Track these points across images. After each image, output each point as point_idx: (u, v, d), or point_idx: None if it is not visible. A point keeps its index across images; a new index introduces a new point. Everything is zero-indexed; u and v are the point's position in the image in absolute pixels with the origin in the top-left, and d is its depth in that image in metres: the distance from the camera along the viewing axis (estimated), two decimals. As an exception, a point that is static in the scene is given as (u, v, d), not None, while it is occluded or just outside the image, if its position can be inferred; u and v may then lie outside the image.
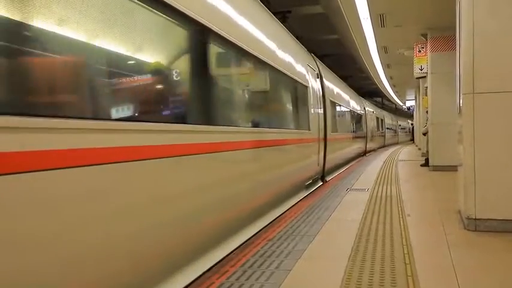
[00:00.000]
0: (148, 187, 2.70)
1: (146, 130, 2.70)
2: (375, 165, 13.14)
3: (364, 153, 18.59)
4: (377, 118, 24.73)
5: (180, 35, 3.50)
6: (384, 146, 27.71)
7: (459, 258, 3.55)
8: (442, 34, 10.35)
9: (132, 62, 2.94)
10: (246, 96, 5.27)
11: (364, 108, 19.08)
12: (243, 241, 4.25)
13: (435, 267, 3.41)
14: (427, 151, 11.70)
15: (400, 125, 41.11)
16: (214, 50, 3.98)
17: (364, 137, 18.38)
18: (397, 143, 35.59)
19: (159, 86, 3.31)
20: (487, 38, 4.39)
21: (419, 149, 19.51)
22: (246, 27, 4.79)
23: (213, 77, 3.99)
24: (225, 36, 3.96)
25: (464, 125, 4.53)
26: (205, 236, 3.59)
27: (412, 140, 42.13)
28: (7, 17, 1.86)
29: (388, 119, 32.29)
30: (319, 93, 8.97)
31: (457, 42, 5.06)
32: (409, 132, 45.91)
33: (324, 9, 11.15)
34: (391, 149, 24.65)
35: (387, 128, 31.57)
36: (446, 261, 3.49)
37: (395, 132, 37.62)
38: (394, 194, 6.98)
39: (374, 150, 22.41)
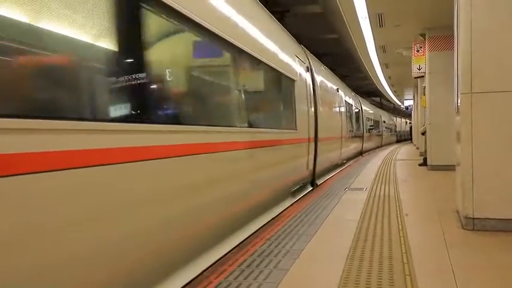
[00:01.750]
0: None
1: None
2: (372, 164, 13.15)
3: (312, 178, 8.44)
4: (349, 107, 14.65)
5: None
6: (361, 154, 18.33)
7: (457, 258, 3.55)
8: (440, 34, 10.37)
9: None
10: None
11: (313, 80, 8.68)
12: (240, 241, 4.25)
13: (433, 267, 3.42)
14: (425, 150, 11.72)
15: (384, 122, 30.46)
16: None
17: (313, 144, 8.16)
18: (380, 146, 27.18)
19: None
20: (484, 37, 4.40)
21: (418, 148, 19.52)
22: None
23: None
24: None
25: (462, 125, 4.54)
26: None
27: (398, 141, 37.10)
28: None
29: (369, 113, 22.26)
30: None
31: (455, 42, 5.06)
32: (394, 131, 38.40)
33: (322, 9, 11.16)
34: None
35: (371, 128, 22.22)
36: (444, 261, 3.49)
37: (379, 132, 27.33)
38: (392, 193, 6.98)
39: (342, 165, 12.68)
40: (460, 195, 4.64)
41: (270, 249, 3.87)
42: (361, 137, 17.98)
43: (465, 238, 4.23)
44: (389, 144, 32.89)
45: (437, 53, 10.52)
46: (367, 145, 20.09)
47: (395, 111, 45.58)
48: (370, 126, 21.96)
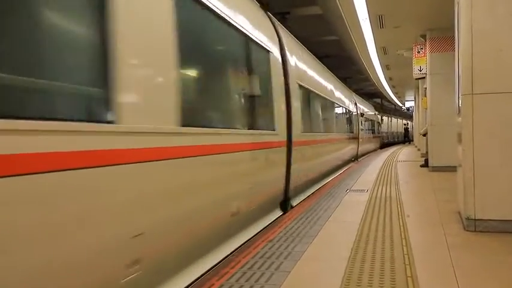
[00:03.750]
0: None
1: None
2: (373, 166, 13.14)
3: None
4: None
5: None
6: (283, 201, 6.24)
7: (459, 259, 3.55)
8: (441, 35, 10.38)
9: None
10: None
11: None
12: (242, 242, 4.26)
13: (435, 268, 3.41)
14: (427, 152, 11.72)
15: (362, 114, 18.62)
16: None
17: None
18: (354, 159, 15.91)
19: None
20: (485, 38, 4.40)
21: (419, 149, 19.51)
22: None
23: None
24: None
25: (463, 126, 4.53)
26: None
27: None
28: None
29: (325, 90, 10.40)
30: None
31: (456, 43, 5.07)
32: (378, 133, 27.45)
33: (323, 11, 11.17)
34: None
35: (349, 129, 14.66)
36: (445, 262, 3.48)
37: (353, 134, 15.68)
38: (394, 194, 6.97)
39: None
40: (462, 197, 4.64)
41: (271, 251, 3.87)
42: (287, 149, 6.20)
43: (467, 239, 4.23)
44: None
45: (438, 54, 10.52)
46: (310, 167, 8.03)
47: (386, 109, 39.66)
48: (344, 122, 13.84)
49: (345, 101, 14.34)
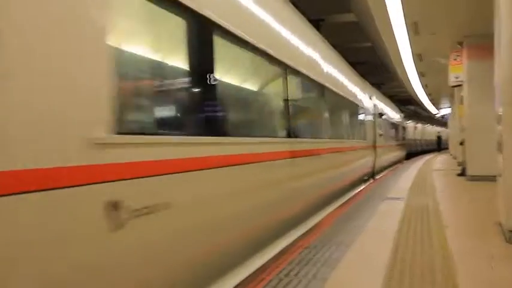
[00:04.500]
0: None
1: None
2: (408, 174, 12.92)
3: None
4: None
5: None
6: None
7: (501, 273, 3.46)
8: (479, 42, 10.14)
9: None
10: None
11: None
12: (279, 249, 4.28)
13: (477, 281, 3.34)
14: (464, 160, 11.45)
15: (381, 115, 14.86)
16: None
17: None
18: (367, 178, 11.80)
19: None
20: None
21: (455, 158, 19.05)
22: None
23: None
24: None
25: (504, 135, 4.43)
26: None
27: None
28: None
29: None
30: None
31: (496, 51, 4.96)
32: (403, 138, 22.39)
33: (357, 18, 11.12)
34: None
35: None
36: (488, 275, 3.41)
37: (365, 140, 11.47)
38: (431, 203, 6.84)
39: None
40: (503, 208, 4.52)
41: (308, 258, 3.88)
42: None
43: (509, 253, 4.11)
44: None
45: (476, 62, 10.28)
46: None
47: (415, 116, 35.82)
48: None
49: (351, 89, 9.82)
